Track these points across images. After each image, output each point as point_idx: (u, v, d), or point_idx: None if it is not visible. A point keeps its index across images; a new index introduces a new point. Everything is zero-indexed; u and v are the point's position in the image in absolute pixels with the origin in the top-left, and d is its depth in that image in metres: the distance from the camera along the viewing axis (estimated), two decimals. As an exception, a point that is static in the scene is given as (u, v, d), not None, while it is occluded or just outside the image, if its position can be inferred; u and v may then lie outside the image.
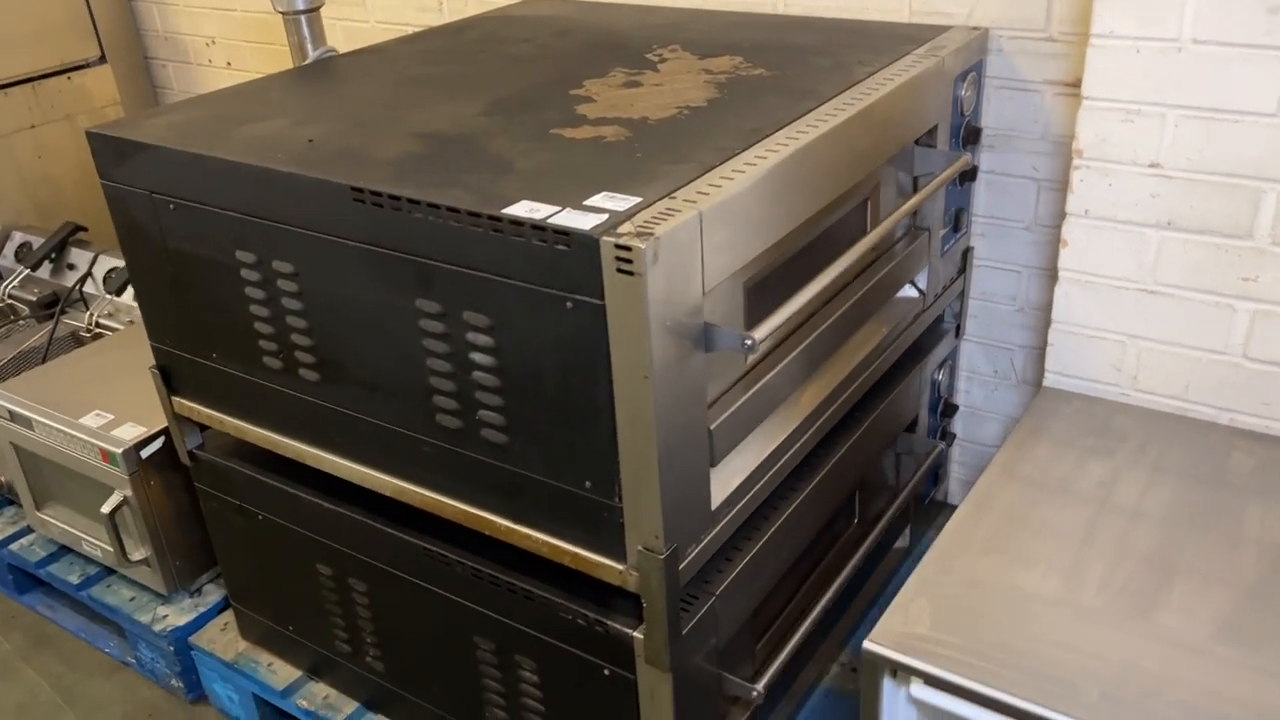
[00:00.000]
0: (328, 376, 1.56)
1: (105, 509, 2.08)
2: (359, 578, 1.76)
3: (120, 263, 2.77)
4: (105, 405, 2.17)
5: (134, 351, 2.39)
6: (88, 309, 2.82)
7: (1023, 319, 2.11)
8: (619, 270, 1.16)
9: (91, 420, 2.12)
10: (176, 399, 1.84)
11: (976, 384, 2.23)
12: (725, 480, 1.43)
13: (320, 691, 2.00)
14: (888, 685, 1.18)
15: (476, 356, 1.36)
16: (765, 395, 1.48)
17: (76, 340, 2.78)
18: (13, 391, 2.25)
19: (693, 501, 1.36)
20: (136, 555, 2.15)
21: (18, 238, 3.01)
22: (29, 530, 2.47)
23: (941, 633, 1.15)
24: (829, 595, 1.71)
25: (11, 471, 2.33)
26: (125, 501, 2.09)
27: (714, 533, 1.42)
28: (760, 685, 1.54)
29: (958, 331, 2.15)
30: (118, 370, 2.32)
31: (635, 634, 1.42)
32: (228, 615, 2.19)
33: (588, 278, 1.20)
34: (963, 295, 2.11)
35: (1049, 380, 1.91)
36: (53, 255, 2.90)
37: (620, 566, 1.37)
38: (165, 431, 2.09)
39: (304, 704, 1.98)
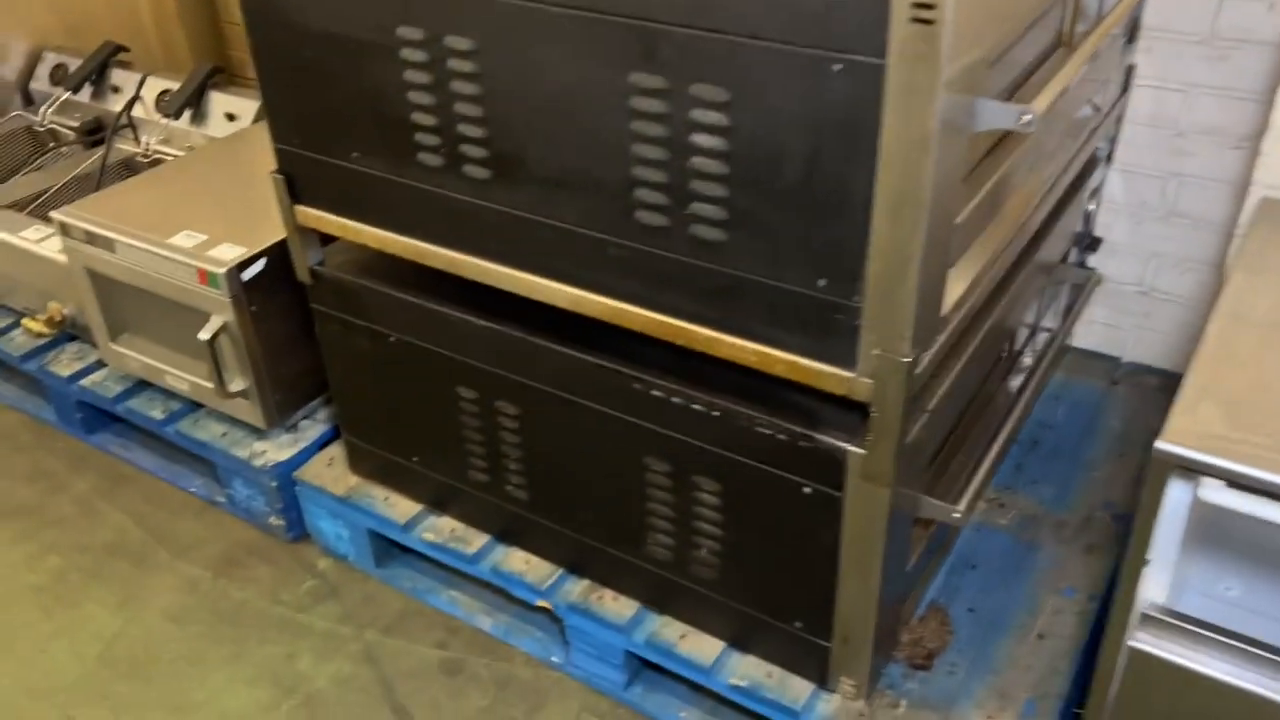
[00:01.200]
0: (501, 174, 1.42)
1: (203, 335, 1.94)
2: (509, 400, 1.65)
3: (173, 84, 2.57)
4: (191, 227, 2.01)
5: (207, 175, 2.22)
6: (136, 134, 2.62)
7: (1183, 144, 1.99)
8: (915, 19, 1.02)
9: (183, 240, 1.97)
10: (300, 208, 1.68)
11: (1121, 216, 2.12)
12: (953, 284, 1.33)
13: (446, 525, 1.91)
14: (1174, 488, 1.10)
15: (701, 139, 1.22)
16: (994, 194, 1.36)
17: (128, 167, 2.59)
18: (81, 211, 2.08)
19: (929, 304, 1.25)
20: (235, 387, 2.02)
21: (50, 58, 2.78)
22: (98, 366, 2.32)
23: (1241, 432, 1.07)
24: (1014, 418, 1.63)
25: (83, 301, 2.17)
26: (224, 328, 1.95)
27: (940, 340, 1.32)
28: (961, 506, 1.47)
29: (1109, 158, 2.03)
30: (195, 193, 2.15)
31: (851, 448, 1.33)
32: (332, 450, 2.08)
33: (867, 33, 1.06)
34: (1120, 118, 1.98)
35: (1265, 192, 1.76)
36: (93, 77, 2.68)
37: (848, 374, 1.27)
38: (267, 252, 1.94)
39: (430, 537, 1.89)
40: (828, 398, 1.34)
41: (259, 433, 2.12)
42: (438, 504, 1.92)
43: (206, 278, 1.91)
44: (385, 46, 1.41)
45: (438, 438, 1.80)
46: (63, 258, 2.17)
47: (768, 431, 1.39)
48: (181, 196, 2.13)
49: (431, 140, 1.45)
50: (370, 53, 1.44)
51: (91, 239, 2.04)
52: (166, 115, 2.49)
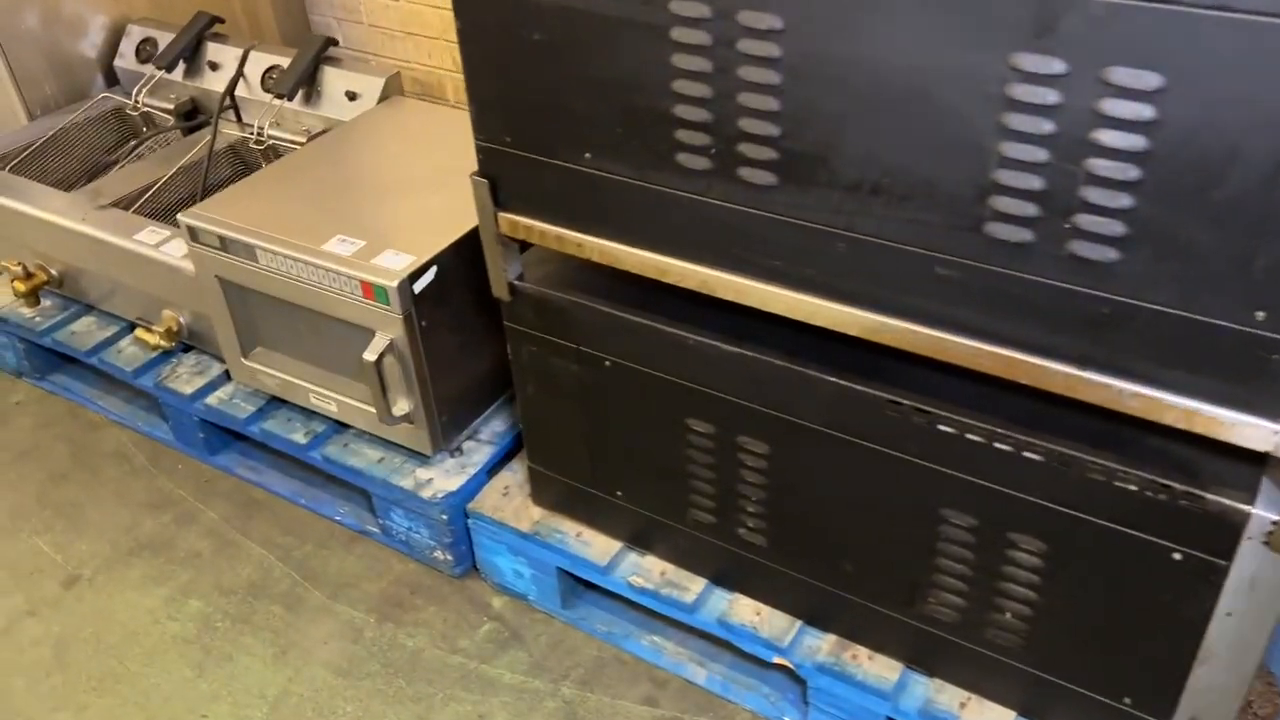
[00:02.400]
0: (791, 177, 1.16)
1: (369, 356, 1.69)
2: (757, 436, 1.40)
3: (280, 59, 2.30)
4: (343, 230, 1.75)
5: (344, 167, 1.96)
6: (239, 116, 2.36)
7: None
8: None
9: (338, 247, 1.71)
10: (505, 215, 1.43)
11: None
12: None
13: (653, 566, 1.67)
14: None
15: (1108, 136, 0.96)
16: None
17: (236, 155, 2.33)
18: (209, 213, 1.82)
19: (1375, 337, 1.00)
20: (400, 410, 1.78)
21: (135, 33, 2.50)
22: (223, 381, 2.09)
23: None
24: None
25: (211, 311, 1.93)
26: (391, 346, 1.70)
27: (1369, 378, 1.06)
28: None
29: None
30: (335, 188, 1.89)
31: (1259, 511, 1.08)
32: (505, 478, 1.85)
33: None
34: None
35: None
36: (187, 54, 2.41)
37: (1276, 427, 1.02)
38: (437, 260, 1.68)
39: (638, 581, 1.66)
40: (1206, 444, 1.09)
41: (420, 458, 1.88)
42: (640, 541, 1.69)
43: (373, 291, 1.66)
44: (649, 27, 1.15)
45: (652, 472, 1.56)
46: (187, 264, 1.92)
47: (1131, 487, 1.14)
48: (320, 193, 1.87)
49: (698, 139, 1.19)
50: (626, 35, 1.17)
51: (226, 245, 1.79)
52: (279, 95, 2.22)
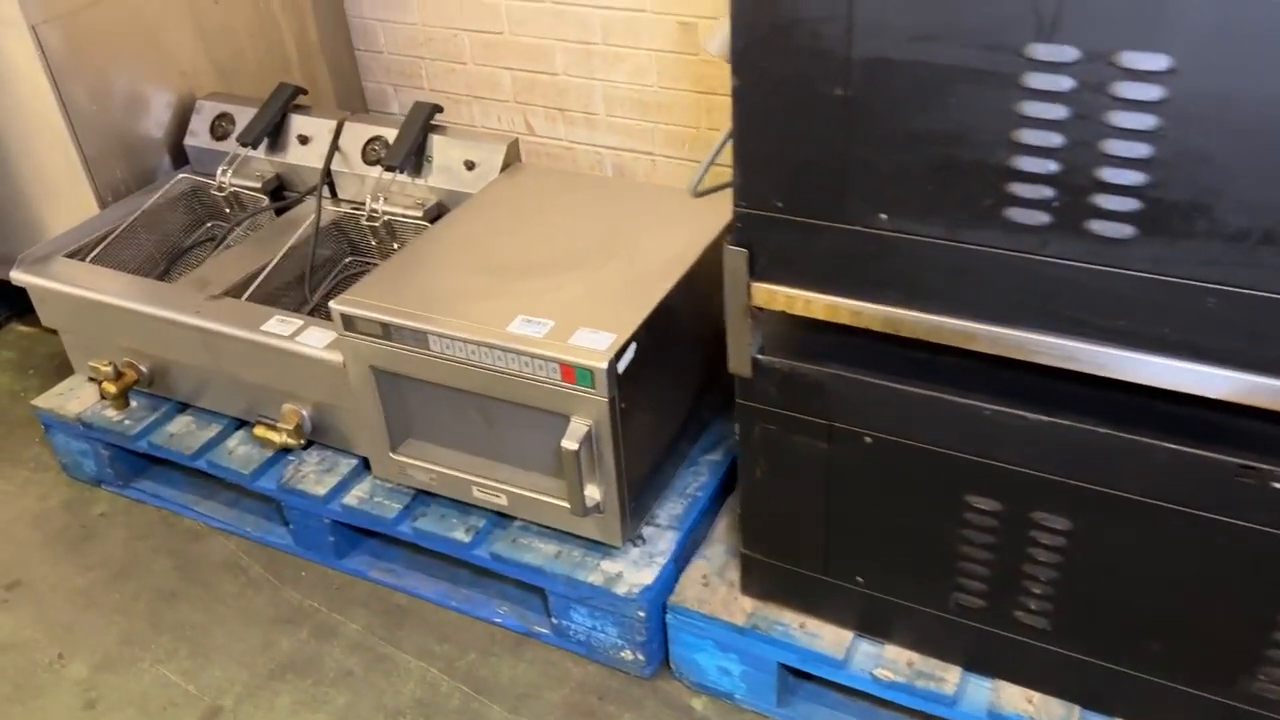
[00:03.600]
0: (1158, 228, 1.05)
1: (570, 443, 1.55)
2: (1057, 511, 1.29)
3: (379, 130, 2.15)
4: (522, 309, 1.61)
5: (493, 240, 1.82)
6: (335, 192, 2.21)
7: None
8: None
9: (526, 329, 1.57)
10: (761, 286, 1.30)
11: None
12: None
13: (897, 655, 1.54)
14: None
15: None
16: None
17: (341, 232, 2.17)
18: (364, 298, 1.67)
19: None
20: (591, 499, 1.63)
21: (208, 109, 2.34)
22: (357, 477, 1.91)
23: None
24: None
25: (358, 403, 1.76)
26: (590, 432, 1.56)
27: None
28: None
29: None
30: (493, 266, 1.75)
31: None
32: (700, 567, 1.70)
33: None
34: None
35: None
36: (270, 128, 2.25)
37: None
38: (635, 335, 1.55)
39: (885, 675, 1.52)
40: None
41: (601, 549, 1.73)
42: (876, 629, 1.55)
43: (574, 374, 1.52)
44: (993, 75, 1.05)
45: (909, 555, 1.43)
46: (331, 355, 1.76)
47: None
48: (480, 270, 1.73)
49: (1038, 192, 1.09)
50: (959, 85, 1.07)
51: (390, 333, 1.63)
52: (389, 168, 2.07)
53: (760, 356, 1.38)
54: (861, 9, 1.07)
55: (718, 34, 1.49)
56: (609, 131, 2.63)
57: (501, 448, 1.71)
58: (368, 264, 2.20)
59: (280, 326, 1.82)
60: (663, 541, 1.74)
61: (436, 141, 2.12)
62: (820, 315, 1.29)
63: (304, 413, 1.92)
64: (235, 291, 1.95)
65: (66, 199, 2.24)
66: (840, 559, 1.51)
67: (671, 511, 1.79)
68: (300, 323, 1.83)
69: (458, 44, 2.70)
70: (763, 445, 1.45)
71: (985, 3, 1.02)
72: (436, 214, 2.10)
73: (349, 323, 1.67)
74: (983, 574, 1.40)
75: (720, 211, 1.85)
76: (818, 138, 1.17)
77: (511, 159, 2.08)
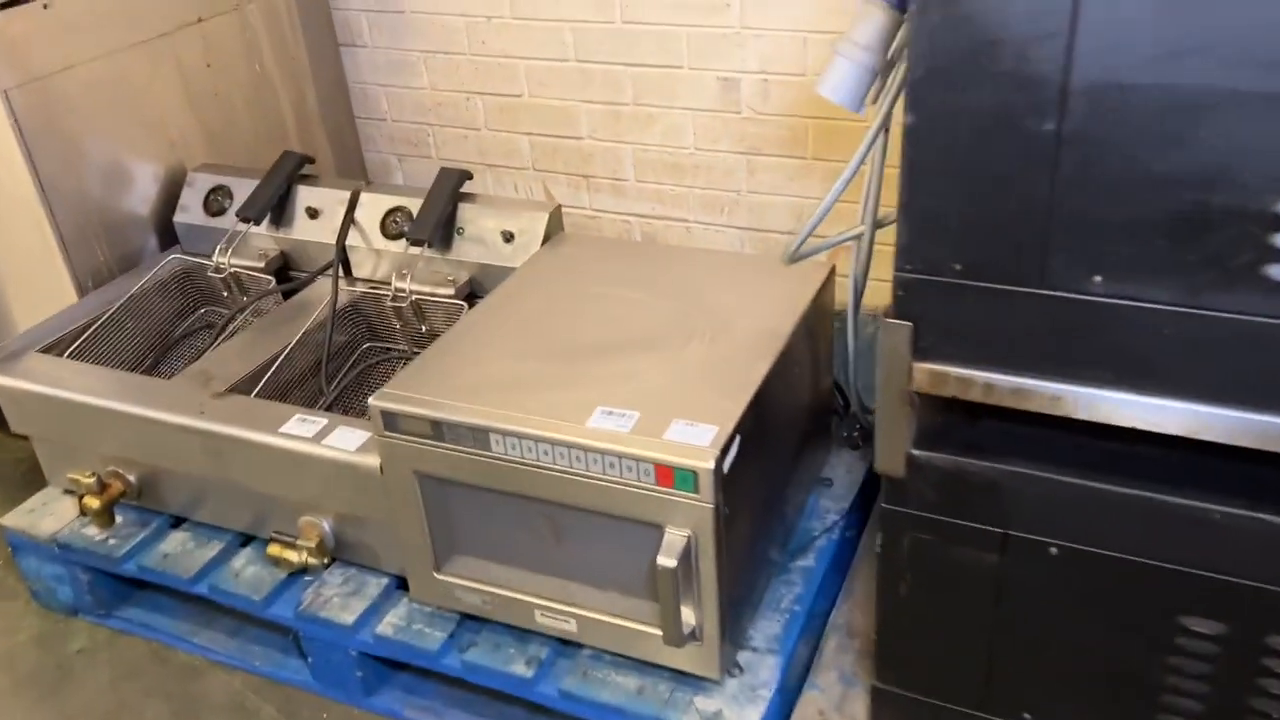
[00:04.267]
0: None
1: (667, 560, 1.29)
2: (1301, 633, 1.05)
3: (403, 200, 1.92)
4: (598, 401, 1.37)
5: (550, 322, 1.57)
6: (349, 271, 1.96)
7: None
8: None
9: (607, 422, 1.32)
10: (924, 366, 1.07)
11: None
12: None
13: (1072, 805, 1.28)
14: None
15: None
16: None
17: (360, 314, 1.92)
18: (407, 392, 1.41)
19: None
20: (689, 626, 1.37)
21: (200, 182, 2.09)
22: (390, 601, 1.63)
23: None
24: None
25: (396, 515, 1.50)
26: (690, 544, 1.30)
27: None
28: None
29: None
30: (554, 351, 1.50)
31: None
32: (814, 701, 1.44)
33: None
34: None
35: None
36: (274, 201, 2.00)
37: None
38: (739, 429, 1.31)
39: (1062, 830, 1.26)
40: None
41: (692, 682, 1.46)
42: (1048, 772, 1.30)
43: (673, 477, 1.27)
44: (1263, 98, 0.83)
45: (1098, 686, 1.19)
46: (366, 459, 1.49)
47: None
48: (538, 356, 1.49)
49: (1317, 242, 0.87)
50: (1224, 113, 0.85)
51: (442, 432, 1.38)
52: (416, 241, 1.82)
53: (917, 452, 1.14)
54: (1088, 23, 0.86)
55: (831, 74, 1.29)
56: (638, 198, 2.42)
57: (572, 564, 1.44)
58: (390, 349, 1.94)
59: (302, 428, 1.56)
60: (763, 669, 1.47)
61: (466, 211, 1.89)
62: (1004, 402, 1.05)
63: (325, 526, 1.64)
64: (243, 387, 1.69)
65: (40, 286, 1.97)
66: (1005, 692, 1.25)
67: (768, 631, 1.53)
68: (324, 421, 1.56)
69: (470, 109, 2.48)
70: (913, 558, 1.21)
71: (1265, 6, 0.81)
72: (470, 292, 1.86)
73: (391, 421, 1.41)
74: (1196, 710, 1.15)
75: (807, 278, 1.64)
76: (1018, 185, 0.95)
77: (555, 228, 1.85)
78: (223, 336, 1.89)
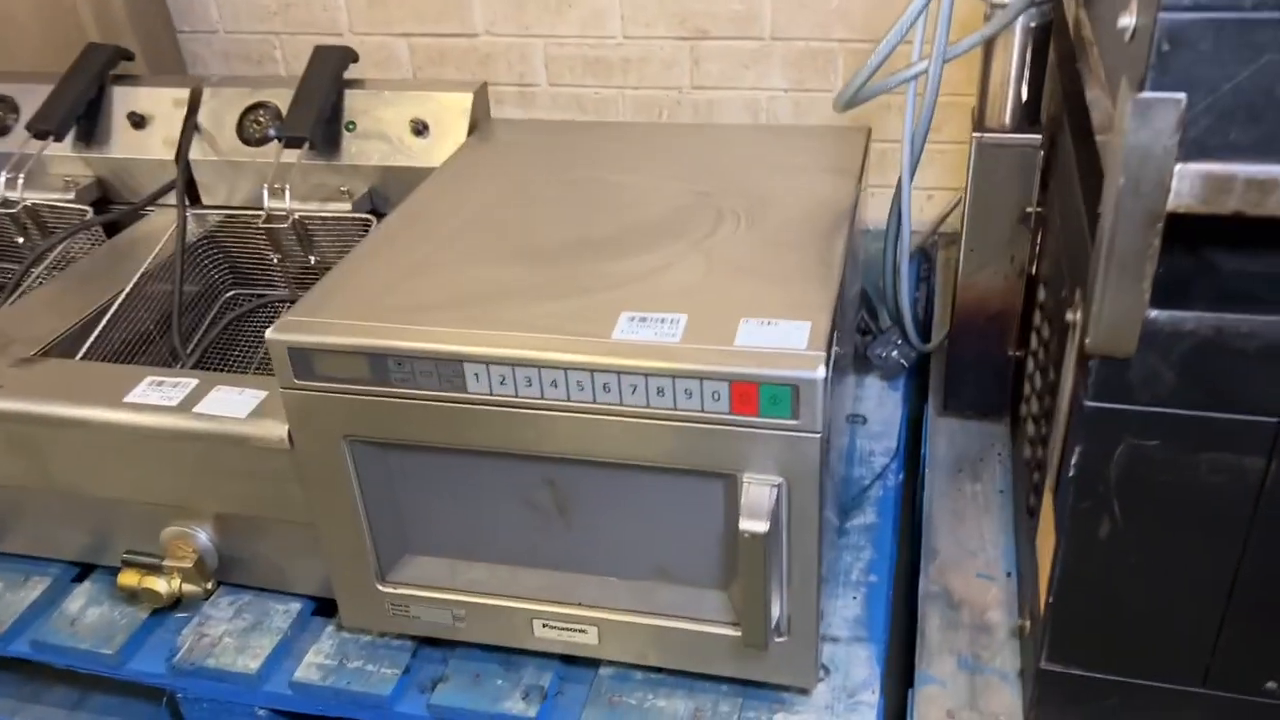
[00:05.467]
0: None
1: (753, 525, 0.86)
2: None
3: (265, 95, 1.41)
4: (606, 308, 0.93)
5: (507, 218, 1.13)
6: (198, 195, 1.44)
7: None
8: None
9: (640, 331, 0.89)
10: (1197, 167, 0.69)
11: None
12: None
13: (1331, 802, 0.93)
14: None
15: None
16: None
17: (220, 250, 1.41)
18: (325, 319, 0.94)
19: None
20: (775, 617, 0.95)
21: (-26, 93, 1.53)
22: (306, 633, 1.14)
23: None
24: None
25: (324, 508, 1.02)
26: (777, 501, 0.88)
27: None
28: None
29: None
30: (520, 251, 1.05)
31: None
32: (936, 698, 1.04)
33: None
34: None
35: None
36: (80, 109, 1.46)
37: None
38: (835, 331, 0.90)
39: (1330, 839, 0.91)
40: None
41: (767, 695, 1.04)
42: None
43: (755, 399, 0.85)
44: None
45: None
46: (262, 429, 1.01)
47: None
48: (511, 257, 1.03)
49: None
50: None
51: (386, 371, 0.91)
52: (293, 142, 1.33)
53: (1157, 313, 0.75)
54: None
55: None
56: (553, 106, 1.97)
57: (586, 550, 1.00)
58: (266, 296, 1.44)
59: (159, 394, 1.05)
60: (856, 666, 1.07)
61: (355, 100, 1.41)
62: (1320, 212, 0.68)
63: (203, 537, 1.14)
64: (61, 350, 1.16)
65: None
66: (1241, 658, 0.89)
67: (846, 614, 1.13)
68: (192, 382, 1.07)
69: (329, 8, 1.98)
70: (1128, 480, 0.82)
71: None
72: (370, 207, 1.38)
73: (303, 363, 0.93)
74: None
75: (845, 141, 1.25)
76: None
77: (481, 113, 1.39)
78: (20, 291, 1.34)
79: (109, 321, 1.21)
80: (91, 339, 1.18)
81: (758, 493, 0.88)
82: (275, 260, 1.40)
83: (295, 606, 1.18)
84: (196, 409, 1.03)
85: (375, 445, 0.98)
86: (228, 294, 1.44)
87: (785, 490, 0.89)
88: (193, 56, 2.10)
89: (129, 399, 1.05)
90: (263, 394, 1.03)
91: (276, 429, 1.00)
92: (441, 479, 1.00)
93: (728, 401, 0.86)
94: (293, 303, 1.16)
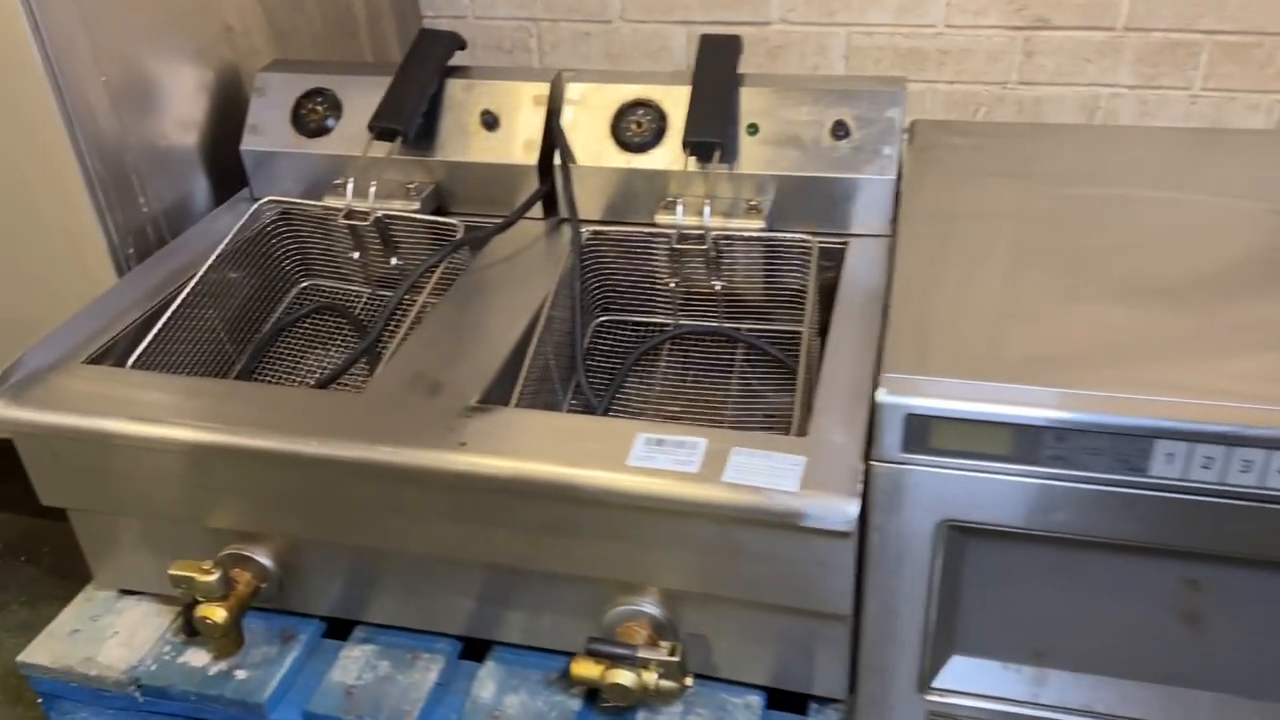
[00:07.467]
0: None
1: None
2: None
3: (643, 91, 1.22)
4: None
5: (1048, 245, 0.94)
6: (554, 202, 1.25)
7: None
8: None
9: None
10: None
11: None
12: None
13: None
14: None
15: None
16: None
17: (602, 263, 1.22)
18: (935, 376, 0.75)
19: None
20: None
21: (276, 86, 1.33)
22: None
23: None
24: None
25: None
26: None
27: None
28: None
29: None
30: (1089, 288, 0.87)
31: None
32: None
33: None
34: None
35: None
36: (421, 104, 1.28)
37: None
38: None
39: None
40: None
41: None
42: None
43: None
44: None
45: None
46: (816, 505, 0.82)
47: None
48: (1107, 297, 0.84)
49: None
50: None
51: (1023, 444, 0.72)
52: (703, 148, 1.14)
53: None
54: None
55: None
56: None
57: (1216, 661, 0.81)
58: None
59: (666, 455, 0.87)
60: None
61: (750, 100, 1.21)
62: None
63: (659, 616, 0.96)
64: (496, 396, 0.98)
65: (59, 256, 1.20)
66: None
67: None
68: (700, 442, 0.88)
69: (602, -7, 1.80)
70: None
71: None
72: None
73: (916, 432, 0.75)
74: None
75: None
76: None
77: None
78: (397, 318, 1.16)
79: (531, 362, 1.02)
80: (520, 385, 0.99)
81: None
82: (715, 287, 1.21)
83: (754, 700, 1.00)
84: (726, 478, 0.84)
85: (973, 532, 0.79)
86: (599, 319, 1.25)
87: None
88: (438, 45, 1.92)
89: (633, 462, 0.86)
90: (801, 460, 0.84)
91: (846, 507, 0.81)
92: (1031, 571, 0.81)
93: None
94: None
